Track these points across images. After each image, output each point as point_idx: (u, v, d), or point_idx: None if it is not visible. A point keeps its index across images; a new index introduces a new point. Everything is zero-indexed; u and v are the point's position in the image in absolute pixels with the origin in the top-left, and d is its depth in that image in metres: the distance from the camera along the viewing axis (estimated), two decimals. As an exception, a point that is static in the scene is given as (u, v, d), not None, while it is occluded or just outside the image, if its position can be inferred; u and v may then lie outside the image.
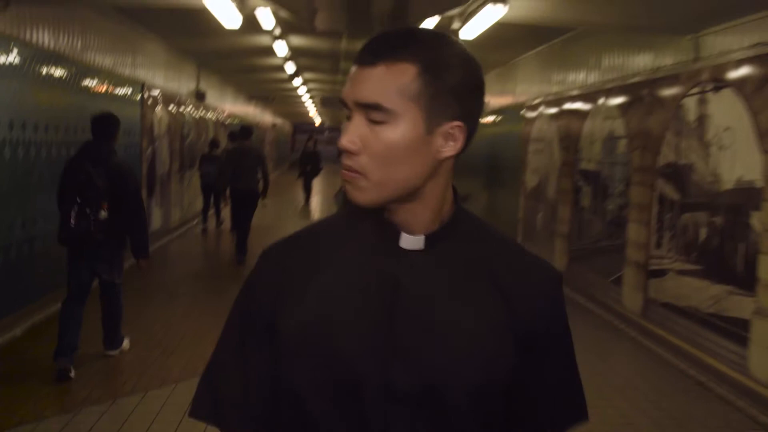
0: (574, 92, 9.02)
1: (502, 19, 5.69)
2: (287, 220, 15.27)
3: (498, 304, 1.20)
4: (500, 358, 1.19)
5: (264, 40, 10.72)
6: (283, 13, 7.31)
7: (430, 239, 1.21)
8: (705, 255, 5.89)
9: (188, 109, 13.66)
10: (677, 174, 6.36)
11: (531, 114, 10.82)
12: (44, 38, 6.77)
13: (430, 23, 6.46)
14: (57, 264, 5.79)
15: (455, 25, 6.36)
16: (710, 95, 5.85)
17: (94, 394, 4.92)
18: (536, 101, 10.58)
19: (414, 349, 1.16)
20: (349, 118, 1.16)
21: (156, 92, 10.97)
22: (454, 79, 1.14)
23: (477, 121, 1.20)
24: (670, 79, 6.54)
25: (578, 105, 8.85)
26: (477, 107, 1.19)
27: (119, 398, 4.86)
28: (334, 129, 48.65)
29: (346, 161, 1.15)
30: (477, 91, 1.18)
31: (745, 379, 5.23)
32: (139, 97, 10.02)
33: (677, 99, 6.38)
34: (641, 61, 7.44)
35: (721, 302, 5.59)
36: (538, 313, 1.22)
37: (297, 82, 16.87)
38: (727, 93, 5.61)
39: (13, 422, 4.35)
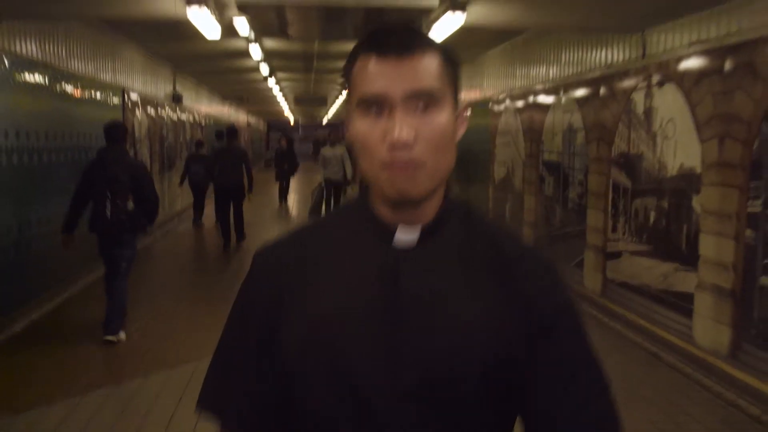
0: (537, 87, 9.53)
1: (463, 24, 6.15)
2: (266, 217, 15.71)
3: (498, 294, 1.20)
4: (503, 351, 1.18)
5: (239, 43, 11.09)
6: (258, 23, 7.73)
7: (425, 232, 1.22)
8: (654, 236, 6.41)
9: (166, 111, 14.02)
10: (629, 163, 6.88)
11: (498, 108, 11.33)
12: (31, 49, 7.15)
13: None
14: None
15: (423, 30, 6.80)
16: (655, 89, 6.37)
17: (97, 379, 5.35)
18: (502, 96, 11.09)
19: (417, 344, 1.16)
20: (379, 113, 1.14)
21: (135, 96, 11.34)
22: (458, 67, 1.22)
23: None
24: (621, 75, 7.06)
25: (540, 99, 9.36)
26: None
27: (122, 382, 5.29)
28: (308, 126, 49.00)
29: (402, 154, 1.12)
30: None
31: (691, 347, 5.76)
32: (120, 101, 10.39)
33: (627, 93, 6.90)
34: (596, 58, 7.94)
35: (669, 278, 6.12)
36: (538, 300, 1.21)
37: (271, 82, 17.22)
38: (670, 87, 6.13)
39: (25, 406, 4.79)
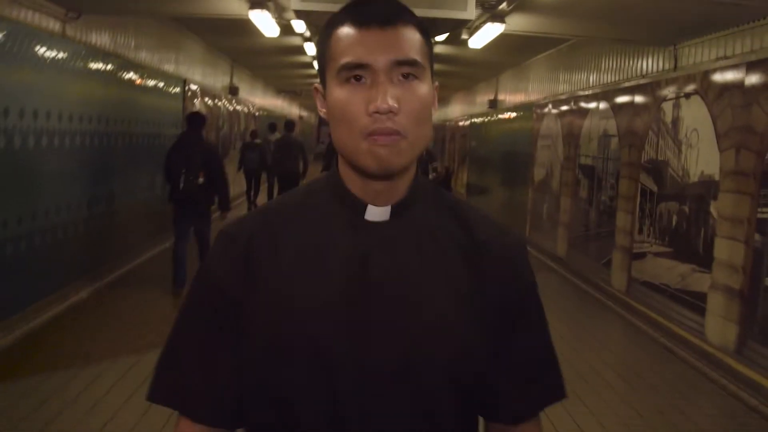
0: (577, 93, 9.90)
1: (503, 32, 6.61)
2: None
3: (468, 274, 1.21)
4: (474, 331, 1.19)
5: (294, 40, 11.69)
6: (314, 24, 8.27)
7: (395, 209, 1.21)
8: (675, 239, 6.79)
9: (223, 102, 14.70)
10: (656, 169, 7.26)
11: (540, 112, 11.72)
12: (105, 41, 7.79)
13: (441, 36, 7.41)
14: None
15: (464, 35, 7.29)
16: (683, 100, 6.74)
17: (159, 339, 5.98)
18: (545, 100, 11.47)
19: (388, 325, 1.15)
20: (359, 81, 1.13)
21: (195, 87, 12.00)
22: (431, 42, 1.23)
23: None
24: (653, 85, 7.42)
25: (580, 105, 9.74)
26: None
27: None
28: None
29: (387, 124, 1.11)
30: None
31: (702, 343, 6.13)
32: (180, 91, 11.04)
33: (658, 103, 7.27)
34: (632, 68, 8.30)
35: (686, 279, 6.50)
36: (506, 282, 1.23)
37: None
38: (695, 99, 6.49)
39: (93, 359, 5.41)
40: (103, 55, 7.66)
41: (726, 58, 6.11)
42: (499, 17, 5.98)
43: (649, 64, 7.82)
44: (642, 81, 7.78)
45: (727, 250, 5.81)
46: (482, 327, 1.20)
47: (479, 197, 16.44)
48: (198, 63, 12.55)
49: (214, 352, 1.21)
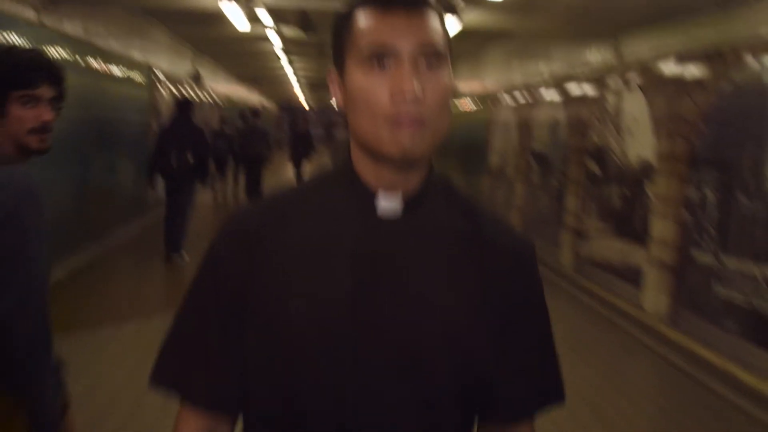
0: (531, 83, 10.39)
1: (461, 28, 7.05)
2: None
3: (475, 275, 1.19)
4: (479, 331, 1.18)
5: (258, 29, 11.93)
6: (279, 15, 8.64)
7: (408, 206, 1.18)
8: (617, 218, 7.33)
9: (187, 89, 14.91)
10: (600, 154, 7.79)
11: (496, 101, 12.18)
12: (77, 30, 8.04)
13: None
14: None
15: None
16: (624, 91, 7.27)
17: (162, 305, 6.47)
18: (501, 90, 11.94)
19: (393, 322, 1.14)
20: (382, 66, 1.09)
21: (160, 75, 12.21)
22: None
23: None
24: (598, 77, 7.94)
25: (533, 94, 10.22)
26: None
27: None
28: (319, 111, 49.57)
29: (412, 109, 1.07)
30: None
31: (639, 313, 6.68)
32: (146, 79, 11.28)
33: (602, 93, 7.79)
34: (579, 60, 8.78)
35: (626, 255, 7.04)
36: (514, 284, 1.22)
37: (286, 66, 18.04)
38: (634, 89, 7.02)
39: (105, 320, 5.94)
40: (78, 44, 7.90)
41: (661, 51, 6.63)
42: (455, 11, 6.42)
43: (593, 57, 8.32)
44: (587, 73, 8.29)
45: (660, 227, 6.35)
46: (487, 328, 1.19)
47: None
48: (162, 51, 12.67)
49: (218, 339, 1.19)
